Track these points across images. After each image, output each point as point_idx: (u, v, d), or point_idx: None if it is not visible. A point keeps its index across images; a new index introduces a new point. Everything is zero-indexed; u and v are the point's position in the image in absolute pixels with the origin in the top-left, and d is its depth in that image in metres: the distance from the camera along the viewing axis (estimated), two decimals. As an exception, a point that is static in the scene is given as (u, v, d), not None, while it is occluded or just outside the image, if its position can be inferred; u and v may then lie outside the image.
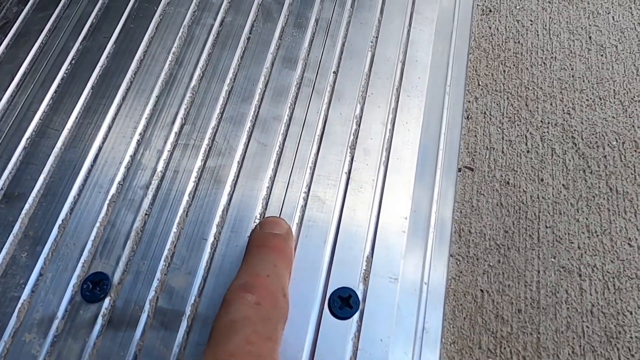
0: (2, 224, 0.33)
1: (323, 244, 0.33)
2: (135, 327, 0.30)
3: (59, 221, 0.33)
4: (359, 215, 0.35)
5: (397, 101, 0.39)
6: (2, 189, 0.34)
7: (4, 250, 0.32)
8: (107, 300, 0.31)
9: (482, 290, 0.35)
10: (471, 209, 0.38)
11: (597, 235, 0.37)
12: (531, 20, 0.47)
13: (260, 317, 0.25)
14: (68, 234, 0.33)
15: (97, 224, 0.33)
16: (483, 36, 0.46)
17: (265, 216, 0.34)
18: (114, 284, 0.31)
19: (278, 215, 0.34)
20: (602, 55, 0.45)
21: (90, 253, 0.32)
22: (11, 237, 0.33)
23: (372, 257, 0.33)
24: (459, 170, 0.40)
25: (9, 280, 0.31)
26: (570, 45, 0.45)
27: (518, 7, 0.47)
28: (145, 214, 0.34)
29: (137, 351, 0.30)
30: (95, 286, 0.31)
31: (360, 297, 0.32)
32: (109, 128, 0.37)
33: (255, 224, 0.34)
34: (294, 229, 0.34)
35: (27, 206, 0.34)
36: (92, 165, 0.35)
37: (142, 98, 0.38)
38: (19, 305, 0.31)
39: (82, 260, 0.32)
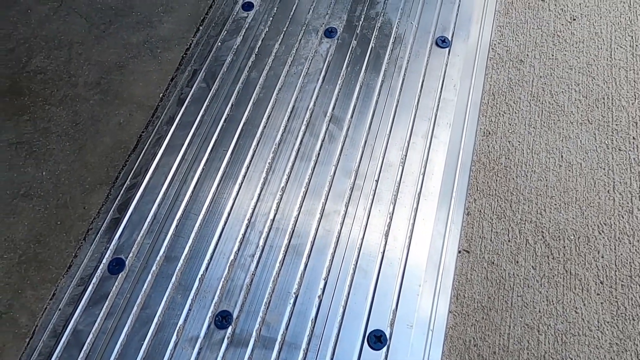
0: (165, 276, 0.53)
1: (364, 299, 0.52)
2: (247, 346, 0.49)
3: (199, 275, 0.53)
4: (389, 280, 0.53)
5: (418, 202, 0.58)
6: (164, 252, 0.54)
7: (166, 293, 0.52)
8: (230, 328, 0.50)
9: (469, 337, 0.53)
10: (466, 280, 0.56)
11: (553, 304, 0.54)
12: (519, 141, 0.65)
13: None
14: (205, 284, 0.53)
15: (222, 279, 0.53)
16: (483, 152, 0.64)
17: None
18: (234, 318, 0.51)
19: (336, 280, 0.53)
20: (569, 171, 0.63)
21: (218, 297, 0.52)
22: (170, 285, 0.53)
23: (396, 310, 0.51)
24: (459, 252, 0.58)
25: (170, 312, 0.51)
26: (546, 162, 0.63)
27: (510, 131, 0.66)
28: (252, 274, 0.53)
29: (250, 361, 0.49)
30: (223, 319, 0.50)
31: (387, 336, 0.50)
32: (228, 214, 0.57)
33: (323, 282, 0.52)
34: (345, 290, 0.52)
35: (179, 264, 0.54)
36: (219, 239, 0.55)
37: (249, 193, 0.58)
38: (177, 328, 0.50)
39: (214, 301, 0.52)
